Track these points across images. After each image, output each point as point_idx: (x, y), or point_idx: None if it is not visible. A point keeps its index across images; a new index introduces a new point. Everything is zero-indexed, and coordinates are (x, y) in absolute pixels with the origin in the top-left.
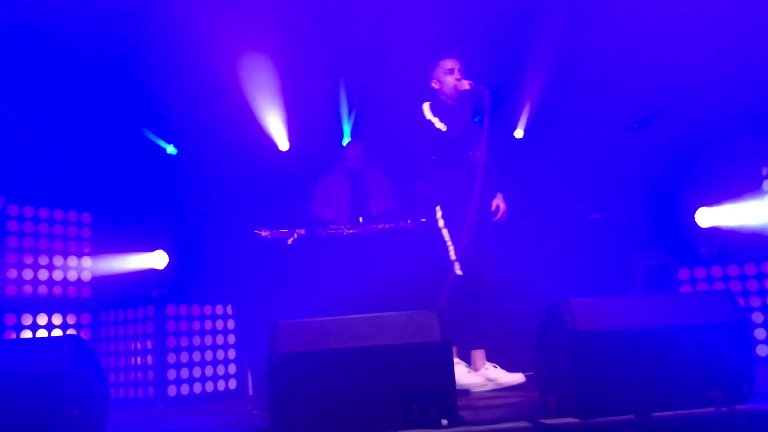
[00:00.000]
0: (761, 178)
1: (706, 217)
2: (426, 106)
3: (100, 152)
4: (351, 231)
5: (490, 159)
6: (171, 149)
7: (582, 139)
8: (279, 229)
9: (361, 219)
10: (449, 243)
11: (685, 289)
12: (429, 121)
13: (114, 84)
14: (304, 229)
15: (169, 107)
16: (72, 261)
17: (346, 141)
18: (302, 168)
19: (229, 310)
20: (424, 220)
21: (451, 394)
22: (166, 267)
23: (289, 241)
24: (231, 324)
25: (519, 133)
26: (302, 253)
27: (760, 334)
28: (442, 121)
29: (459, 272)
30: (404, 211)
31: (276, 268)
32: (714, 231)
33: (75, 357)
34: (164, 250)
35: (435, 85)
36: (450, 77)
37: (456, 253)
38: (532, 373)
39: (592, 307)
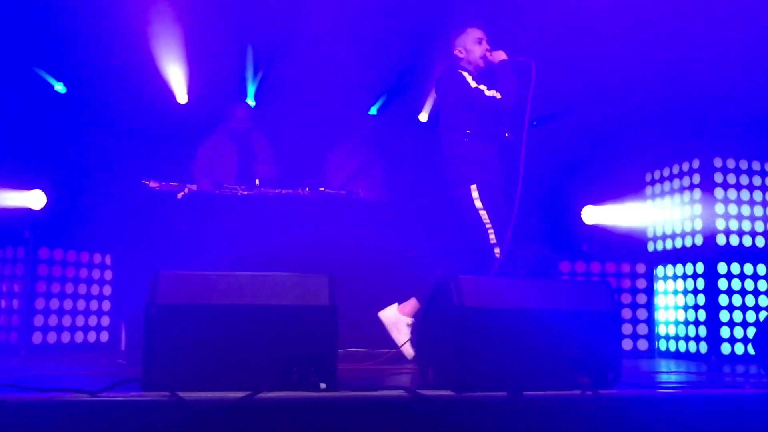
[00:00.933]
0: (644, 183)
1: (591, 214)
2: (467, 74)
3: None
4: (246, 192)
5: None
6: (60, 87)
7: None
8: (169, 182)
9: (258, 181)
10: (488, 225)
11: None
12: (477, 89)
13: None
14: (196, 185)
15: (63, 44)
16: None
17: (250, 101)
18: (200, 123)
19: (108, 260)
20: (322, 189)
21: (332, 359)
22: (43, 208)
23: (179, 196)
24: (108, 274)
25: (423, 117)
26: (191, 210)
27: (626, 329)
28: (491, 89)
29: (498, 255)
30: (293, 179)
31: (162, 222)
32: (597, 229)
33: None
34: (43, 190)
35: (460, 53)
36: (479, 47)
37: (496, 236)
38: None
39: (479, 285)
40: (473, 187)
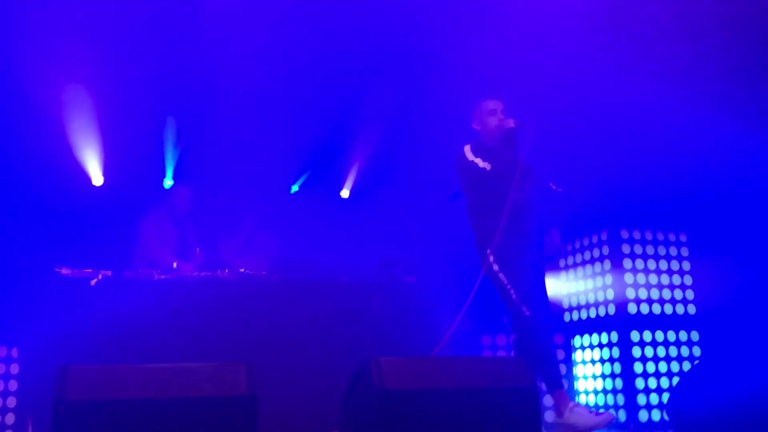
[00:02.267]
0: (560, 253)
1: None
2: (467, 149)
3: None
4: (162, 276)
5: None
6: None
7: (400, 202)
8: (82, 268)
9: (175, 265)
10: (509, 286)
11: (486, 354)
12: (472, 162)
13: None
14: (110, 271)
15: None
16: None
17: (168, 182)
18: (115, 206)
19: (15, 353)
20: (243, 270)
21: None
22: None
23: (93, 282)
24: (15, 368)
25: (345, 194)
26: (106, 296)
27: (548, 400)
28: (485, 160)
29: (527, 313)
30: (220, 262)
31: (75, 311)
32: None
33: None
34: None
35: (476, 126)
36: (493, 118)
37: (517, 294)
38: None
39: (400, 366)
40: (489, 251)
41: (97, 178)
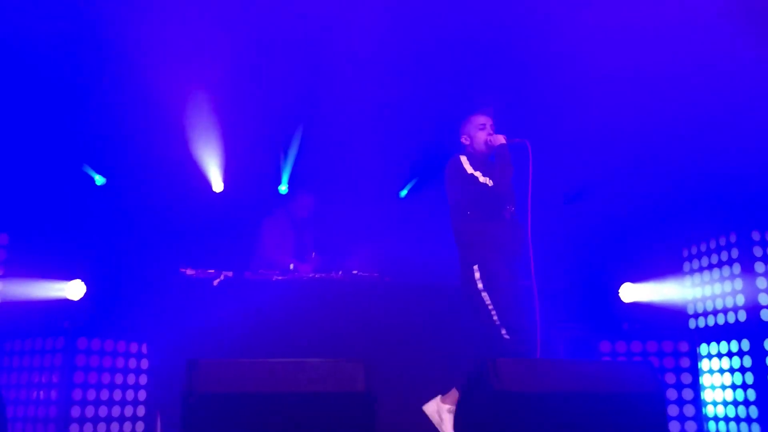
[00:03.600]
0: (682, 259)
1: (630, 292)
2: (464, 160)
3: (25, 175)
4: (280, 277)
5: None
6: (99, 179)
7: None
8: (206, 269)
9: (291, 266)
10: (490, 306)
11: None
12: (472, 175)
13: (46, 108)
14: (231, 272)
15: (101, 136)
16: None
17: (283, 188)
18: (234, 210)
19: (144, 348)
20: (355, 272)
21: None
22: (82, 298)
23: (215, 282)
24: (145, 363)
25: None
26: (227, 296)
27: (673, 410)
28: (485, 175)
29: (506, 336)
30: (334, 264)
31: (198, 309)
32: (636, 307)
33: None
34: (83, 281)
35: (465, 140)
36: (482, 132)
37: (498, 317)
38: None
39: (518, 368)
40: (475, 267)
41: (218, 185)
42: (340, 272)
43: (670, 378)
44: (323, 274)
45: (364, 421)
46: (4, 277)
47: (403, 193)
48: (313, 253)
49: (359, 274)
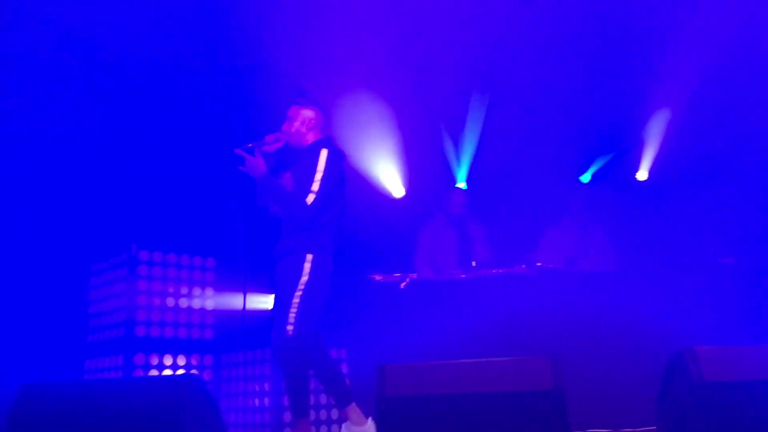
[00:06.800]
0: None
1: None
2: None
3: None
4: (464, 276)
5: None
6: None
7: (709, 181)
8: (392, 273)
9: (474, 263)
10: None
11: None
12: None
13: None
14: (416, 273)
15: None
16: (196, 303)
17: (461, 184)
18: (416, 214)
19: (343, 354)
20: (539, 264)
21: None
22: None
23: (402, 286)
24: (344, 368)
25: (642, 176)
26: (415, 297)
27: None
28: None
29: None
30: (512, 258)
31: (388, 313)
32: None
33: (192, 396)
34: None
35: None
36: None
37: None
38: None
39: (719, 355)
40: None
41: (399, 191)
42: (524, 265)
43: None
44: (506, 269)
45: (554, 419)
46: (214, 297)
47: (586, 177)
48: (474, 263)
49: (543, 266)
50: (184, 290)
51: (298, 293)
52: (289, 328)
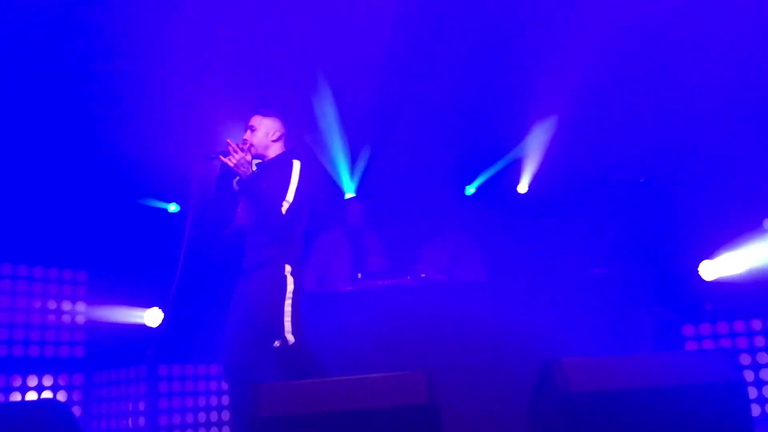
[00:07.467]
0: (763, 231)
1: (710, 270)
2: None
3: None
4: (348, 288)
5: None
6: (173, 207)
7: (584, 193)
8: None
9: (360, 275)
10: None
11: (690, 345)
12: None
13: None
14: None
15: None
16: (66, 319)
17: (348, 196)
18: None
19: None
20: (424, 275)
21: None
22: (160, 325)
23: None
24: (225, 385)
25: (522, 188)
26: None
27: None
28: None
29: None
30: (401, 269)
31: None
32: (719, 285)
33: (54, 423)
34: (160, 308)
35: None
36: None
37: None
38: None
39: (585, 366)
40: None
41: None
42: (408, 277)
43: (762, 358)
44: (392, 281)
45: None
46: (86, 312)
47: (470, 190)
48: (360, 275)
49: (426, 277)
50: (52, 305)
51: (288, 302)
52: (289, 336)
